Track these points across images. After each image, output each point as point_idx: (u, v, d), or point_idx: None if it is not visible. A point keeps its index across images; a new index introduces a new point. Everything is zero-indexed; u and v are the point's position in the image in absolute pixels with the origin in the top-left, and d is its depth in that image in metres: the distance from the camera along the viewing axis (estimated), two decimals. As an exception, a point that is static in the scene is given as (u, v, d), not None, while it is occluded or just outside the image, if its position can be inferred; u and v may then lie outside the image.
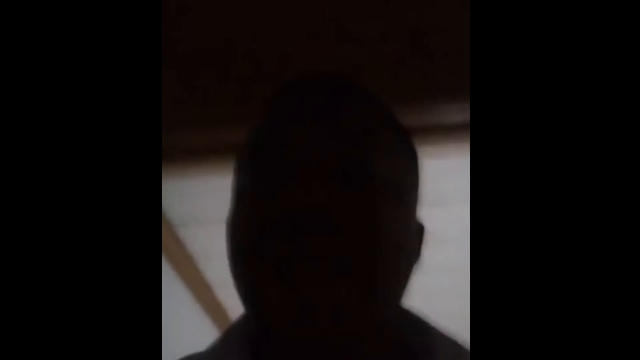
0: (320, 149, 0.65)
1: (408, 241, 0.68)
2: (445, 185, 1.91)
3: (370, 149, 0.67)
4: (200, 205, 2.02)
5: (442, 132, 1.09)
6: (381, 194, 0.66)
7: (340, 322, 0.62)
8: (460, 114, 1.06)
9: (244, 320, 0.74)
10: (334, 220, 0.63)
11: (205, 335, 2.12)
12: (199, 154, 1.21)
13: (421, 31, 1.09)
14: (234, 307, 1.87)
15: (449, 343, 0.73)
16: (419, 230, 0.73)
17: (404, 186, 0.69)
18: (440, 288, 2.45)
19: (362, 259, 0.63)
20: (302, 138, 0.66)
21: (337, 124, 0.66)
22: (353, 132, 0.67)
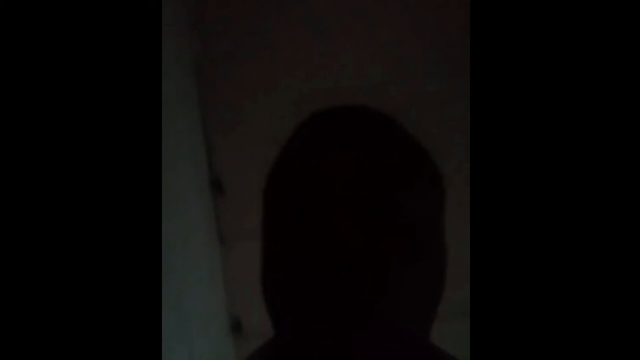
0: (352, 187, 0.66)
1: (434, 270, 0.70)
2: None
3: (399, 186, 0.67)
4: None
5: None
6: (411, 232, 0.67)
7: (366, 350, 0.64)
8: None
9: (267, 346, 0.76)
10: (364, 259, 0.64)
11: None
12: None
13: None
14: None
15: None
16: (445, 259, 0.74)
17: (433, 221, 0.71)
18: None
19: (389, 297, 0.65)
20: (334, 174, 0.66)
21: (367, 161, 0.67)
22: (383, 170, 0.67)
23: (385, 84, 1.69)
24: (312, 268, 0.64)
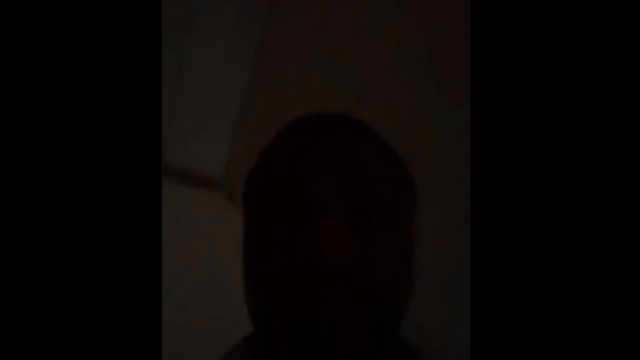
0: (334, 191, 0.68)
1: (409, 269, 0.72)
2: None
3: (377, 187, 0.69)
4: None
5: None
6: (391, 230, 0.69)
7: (360, 345, 0.65)
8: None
9: (246, 342, 0.77)
10: (354, 256, 0.66)
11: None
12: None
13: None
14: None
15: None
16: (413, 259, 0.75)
17: (407, 217, 0.73)
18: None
19: (380, 290, 0.67)
20: (316, 181, 0.68)
21: (347, 166, 0.69)
22: (362, 173, 0.69)
23: (385, 86, 1.70)
24: (295, 267, 0.66)
